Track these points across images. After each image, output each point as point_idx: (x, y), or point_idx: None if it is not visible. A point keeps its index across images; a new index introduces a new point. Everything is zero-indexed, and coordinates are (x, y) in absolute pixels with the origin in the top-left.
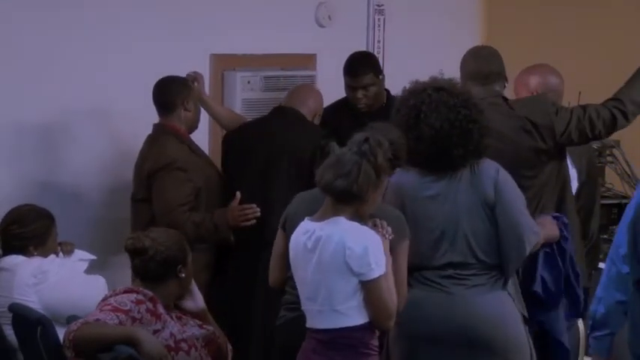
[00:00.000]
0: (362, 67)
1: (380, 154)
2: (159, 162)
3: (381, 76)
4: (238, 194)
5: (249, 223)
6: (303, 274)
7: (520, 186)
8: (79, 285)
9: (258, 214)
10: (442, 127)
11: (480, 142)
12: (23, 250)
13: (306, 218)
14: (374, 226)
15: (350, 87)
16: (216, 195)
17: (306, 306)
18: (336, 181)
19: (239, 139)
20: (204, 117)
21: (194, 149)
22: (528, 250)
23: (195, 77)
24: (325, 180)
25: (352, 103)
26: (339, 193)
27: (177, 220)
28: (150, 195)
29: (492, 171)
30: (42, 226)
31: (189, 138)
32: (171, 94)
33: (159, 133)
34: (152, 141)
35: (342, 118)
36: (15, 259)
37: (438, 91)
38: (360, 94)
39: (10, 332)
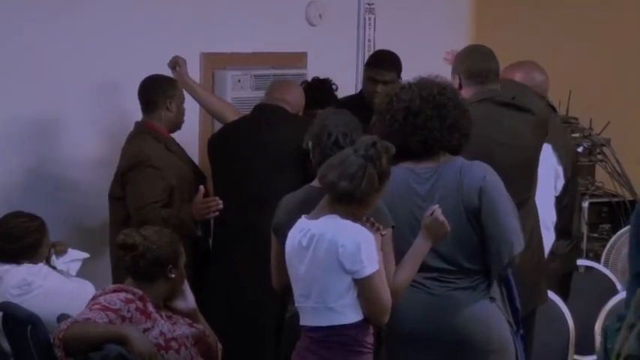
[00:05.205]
0: (389, 63)
1: (385, 160)
2: (132, 160)
3: (399, 80)
4: (202, 188)
5: (212, 215)
6: (297, 271)
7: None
8: (64, 296)
9: (221, 206)
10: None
11: (457, 120)
12: (12, 262)
13: (302, 216)
14: (366, 223)
15: (371, 79)
16: (191, 194)
17: (300, 303)
18: (340, 182)
19: (223, 140)
20: (194, 114)
21: (171, 148)
22: (509, 256)
23: (176, 62)
24: (328, 179)
25: (368, 98)
26: (341, 194)
27: (148, 216)
28: (124, 193)
29: (479, 177)
30: (32, 240)
31: (169, 137)
32: (154, 92)
33: (136, 132)
34: (129, 140)
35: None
36: (3, 267)
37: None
38: (379, 88)
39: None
